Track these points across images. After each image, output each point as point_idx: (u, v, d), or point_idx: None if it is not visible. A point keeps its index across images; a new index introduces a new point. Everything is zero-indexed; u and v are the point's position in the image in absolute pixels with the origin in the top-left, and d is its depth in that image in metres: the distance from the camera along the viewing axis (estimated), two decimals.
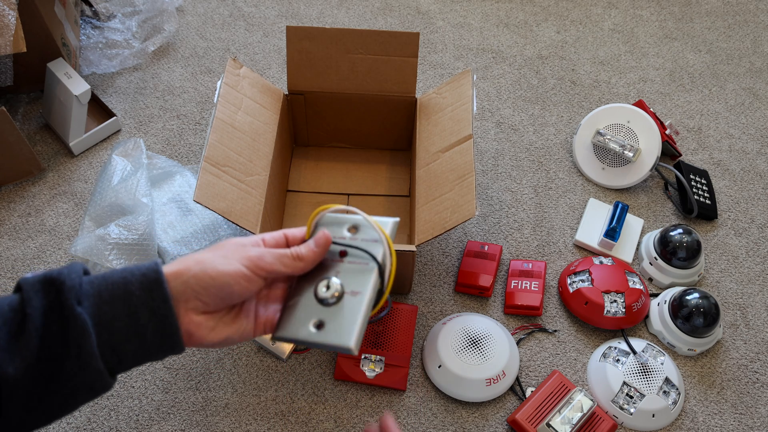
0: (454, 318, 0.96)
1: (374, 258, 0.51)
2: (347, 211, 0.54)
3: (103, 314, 0.44)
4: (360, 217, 0.53)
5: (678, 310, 0.96)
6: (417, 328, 0.98)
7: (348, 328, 0.49)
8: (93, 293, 0.44)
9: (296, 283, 0.53)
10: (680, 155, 1.20)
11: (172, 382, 0.92)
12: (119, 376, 0.92)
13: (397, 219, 0.54)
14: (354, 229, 0.53)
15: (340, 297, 0.50)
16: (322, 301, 0.50)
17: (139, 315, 0.45)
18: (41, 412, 0.43)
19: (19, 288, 0.44)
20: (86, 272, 0.46)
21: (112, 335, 0.44)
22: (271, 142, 0.96)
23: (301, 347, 0.52)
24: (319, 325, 0.49)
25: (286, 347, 0.92)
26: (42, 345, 0.42)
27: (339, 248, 0.53)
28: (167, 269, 0.47)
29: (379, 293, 0.51)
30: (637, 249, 1.08)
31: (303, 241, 0.53)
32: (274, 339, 0.51)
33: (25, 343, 0.41)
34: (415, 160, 0.97)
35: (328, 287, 0.50)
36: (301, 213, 1.08)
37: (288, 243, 0.53)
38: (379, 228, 0.52)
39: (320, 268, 0.52)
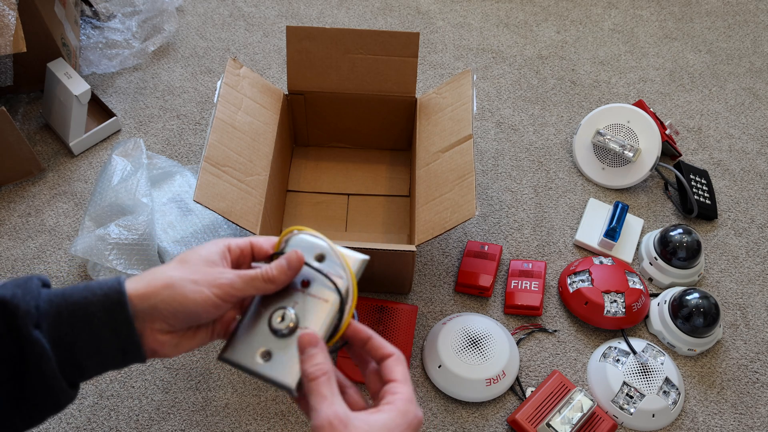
0: (454, 318, 0.96)
1: (338, 291, 0.49)
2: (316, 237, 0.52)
3: (63, 335, 0.43)
4: (328, 246, 0.52)
5: (678, 310, 0.96)
6: (417, 328, 0.98)
7: (292, 367, 0.48)
8: (52, 313, 0.43)
9: (254, 300, 0.51)
10: (680, 155, 1.20)
11: (172, 382, 0.92)
12: (118, 376, 0.92)
13: (367, 257, 0.52)
14: (321, 258, 0.51)
15: (293, 330, 0.49)
16: (274, 331, 0.49)
17: (100, 336, 0.44)
18: (6, 429, 0.43)
19: None
20: (45, 284, 0.45)
21: (73, 354, 0.43)
22: (271, 142, 0.96)
23: None
24: (267, 356, 0.49)
25: None
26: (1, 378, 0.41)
27: (303, 277, 0.51)
28: (132, 288, 0.45)
29: (335, 329, 0.49)
30: (637, 249, 1.08)
31: (269, 255, 0.51)
32: (221, 360, 0.49)
33: None
34: (415, 160, 0.97)
35: (282, 318, 0.49)
36: (301, 213, 1.08)
37: (253, 253, 0.52)
38: (346, 264, 0.50)
39: (281, 292, 0.51)
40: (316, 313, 0.49)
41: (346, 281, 0.50)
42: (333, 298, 0.50)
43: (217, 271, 0.48)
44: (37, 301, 0.42)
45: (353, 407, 0.47)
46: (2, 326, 0.41)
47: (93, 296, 0.43)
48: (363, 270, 0.52)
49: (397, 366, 0.47)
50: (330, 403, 0.44)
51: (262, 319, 0.50)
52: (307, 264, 0.51)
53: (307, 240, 0.52)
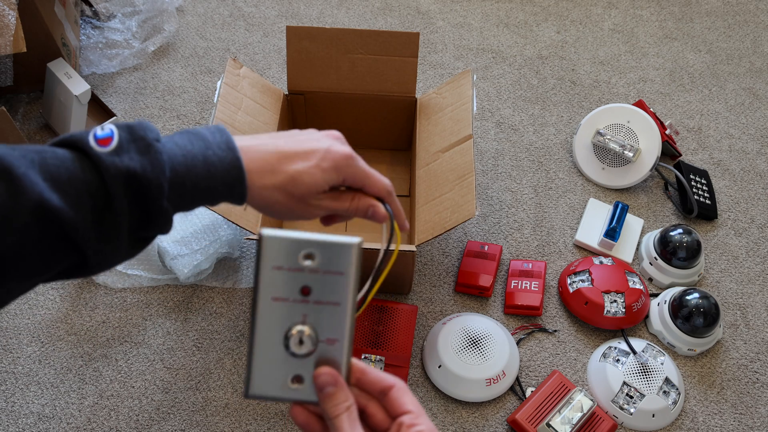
0: (454, 318, 0.96)
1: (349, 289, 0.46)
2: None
3: (184, 202, 0.49)
4: (314, 238, 0.46)
5: (678, 310, 0.96)
6: (417, 328, 0.98)
7: None
8: (177, 183, 0.47)
9: (254, 323, 0.46)
10: (680, 155, 1.20)
11: (172, 382, 0.92)
12: (118, 376, 0.92)
13: (361, 240, 0.47)
14: (311, 256, 0.46)
15: (315, 346, 0.46)
16: (296, 356, 0.46)
17: (216, 199, 0.50)
18: (125, 254, 0.49)
19: (76, 149, 0.46)
20: (157, 139, 0.48)
21: (188, 208, 0.51)
22: None
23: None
24: (298, 380, 0.46)
25: None
26: (130, 233, 0.47)
27: (300, 284, 0.46)
28: (246, 166, 0.50)
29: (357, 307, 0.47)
30: (637, 249, 1.08)
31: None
32: (250, 398, 0.47)
33: (113, 229, 0.46)
34: (415, 160, 0.97)
35: (301, 342, 0.46)
36: None
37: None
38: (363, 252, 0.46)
39: (284, 308, 0.46)
40: (331, 320, 0.46)
41: (349, 272, 0.46)
42: (342, 298, 0.46)
43: (314, 208, 0.54)
44: (166, 175, 0.47)
45: (377, 426, 0.47)
46: (136, 197, 0.46)
47: (215, 170, 0.49)
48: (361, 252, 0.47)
49: (405, 396, 0.46)
50: None
51: (276, 345, 0.46)
52: (298, 268, 0.46)
53: (284, 240, 0.46)
